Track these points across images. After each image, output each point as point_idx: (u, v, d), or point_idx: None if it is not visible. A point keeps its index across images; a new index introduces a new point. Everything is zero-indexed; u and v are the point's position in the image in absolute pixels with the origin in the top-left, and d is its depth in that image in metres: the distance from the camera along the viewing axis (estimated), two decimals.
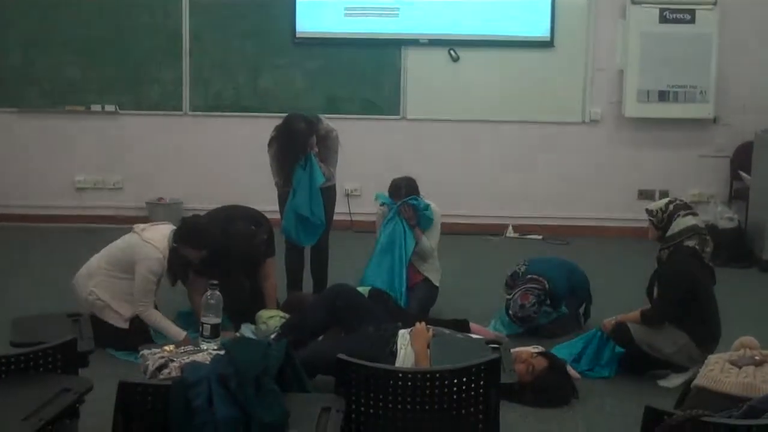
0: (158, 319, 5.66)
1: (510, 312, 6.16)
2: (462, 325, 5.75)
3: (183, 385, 3.09)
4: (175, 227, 5.80)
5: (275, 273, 6.34)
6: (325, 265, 6.74)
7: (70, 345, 3.47)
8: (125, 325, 5.66)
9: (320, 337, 5.43)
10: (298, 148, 6.32)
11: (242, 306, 5.86)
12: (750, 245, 8.36)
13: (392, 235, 6.40)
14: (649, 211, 5.46)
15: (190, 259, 5.72)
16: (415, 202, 6.41)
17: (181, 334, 5.56)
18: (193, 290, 5.84)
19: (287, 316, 5.84)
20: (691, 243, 5.30)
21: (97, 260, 5.82)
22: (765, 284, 7.77)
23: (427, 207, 6.45)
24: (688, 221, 5.35)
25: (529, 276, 6.25)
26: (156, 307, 5.78)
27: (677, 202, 5.49)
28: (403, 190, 6.42)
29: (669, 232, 5.34)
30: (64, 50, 9.18)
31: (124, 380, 3.11)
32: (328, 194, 6.63)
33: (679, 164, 9.18)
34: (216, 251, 5.72)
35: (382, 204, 6.56)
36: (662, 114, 9.02)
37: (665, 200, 5.50)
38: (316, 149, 6.40)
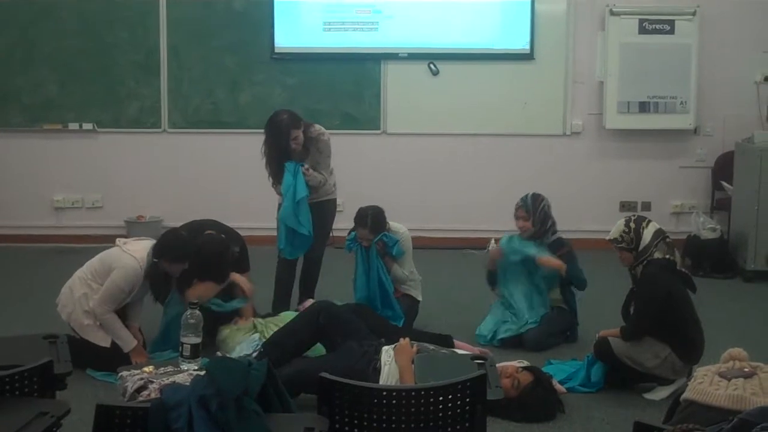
0: (116, 326, 5.58)
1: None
2: (445, 341, 5.72)
3: (162, 407, 3.02)
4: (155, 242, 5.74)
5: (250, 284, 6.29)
6: (315, 279, 6.73)
7: (46, 367, 3.39)
8: (107, 344, 5.58)
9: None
10: (280, 139, 6.30)
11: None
12: (733, 255, 8.35)
13: (371, 270, 6.35)
14: (613, 240, 5.40)
15: (170, 273, 5.67)
16: (386, 239, 6.35)
17: (131, 343, 5.57)
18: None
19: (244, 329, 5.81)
20: (659, 254, 5.28)
21: (78, 274, 5.75)
22: (749, 294, 7.76)
23: (395, 243, 6.38)
24: (653, 228, 5.36)
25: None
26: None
27: (634, 217, 5.49)
28: (369, 219, 6.33)
29: (641, 246, 5.32)
30: (41, 68, 9.14)
31: (102, 403, 3.03)
32: (328, 207, 6.66)
33: (661, 175, 9.20)
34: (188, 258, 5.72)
35: (351, 250, 6.49)
36: (643, 125, 9.05)
37: (621, 222, 5.45)
38: (307, 166, 6.37)
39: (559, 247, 6.31)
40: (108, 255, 5.72)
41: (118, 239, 5.84)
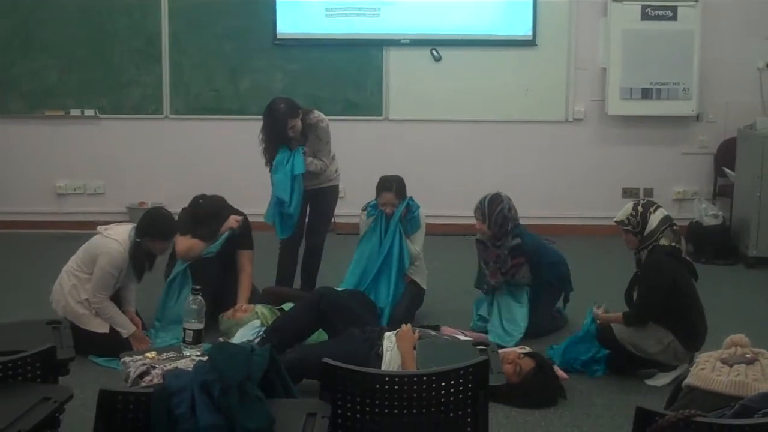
0: (113, 313, 5.67)
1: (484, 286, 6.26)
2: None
3: (165, 392, 3.03)
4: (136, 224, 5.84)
5: (252, 266, 6.38)
6: (317, 265, 6.75)
7: (49, 353, 3.40)
8: (105, 329, 5.63)
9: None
10: (278, 128, 6.33)
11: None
12: (735, 242, 8.36)
13: (388, 248, 6.36)
14: (620, 222, 5.39)
15: (154, 251, 5.78)
16: (411, 203, 6.40)
17: (130, 328, 5.67)
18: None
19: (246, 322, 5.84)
20: (666, 241, 5.27)
21: (65, 268, 5.82)
22: (750, 281, 7.77)
23: (418, 208, 6.45)
24: (660, 213, 5.35)
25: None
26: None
27: (642, 201, 5.49)
28: (394, 185, 6.38)
29: (647, 231, 5.31)
30: (43, 55, 9.11)
31: (105, 388, 3.04)
32: (330, 193, 6.69)
33: (663, 161, 9.19)
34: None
35: (371, 216, 6.51)
36: (645, 111, 9.02)
37: (629, 206, 5.45)
38: (306, 150, 6.38)
39: (516, 255, 6.17)
40: (91, 244, 5.79)
41: (99, 227, 5.90)
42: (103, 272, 5.60)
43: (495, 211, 6.15)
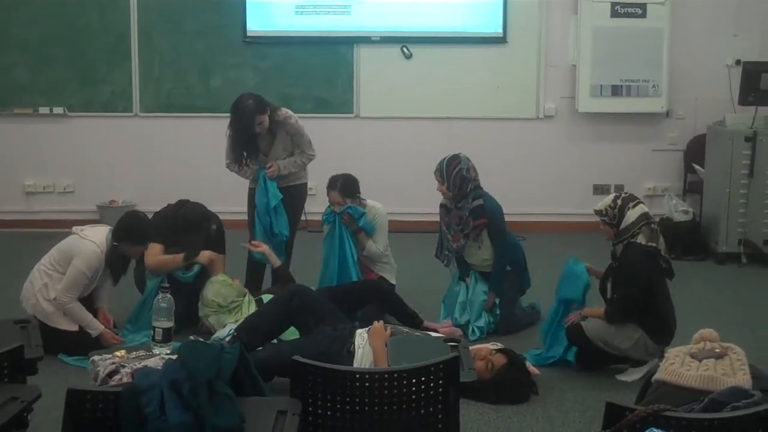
0: (81, 313, 5.62)
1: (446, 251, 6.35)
2: (414, 321, 5.90)
3: (134, 391, 3.01)
4: (113, 227, 5.79)
5: (224, 270, 6.30)
6: (287, 262, 6.70)
7: (17, 352, 3.37)
8: (75, 328, 5.60)
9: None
10: (245, 124, 6.31)
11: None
12: (705, 238, 8.40)
13: (335, 241, 6.39)
14: (598, 212, 5.42)
15: (130, 256, 5.78)
16: (351, 211, 6.38)
17: (99, 328, 5.61)
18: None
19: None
20: (643, 239, 5.27)
21: (36, 267, 5.77)
22: (720, 276, 7.82)
23: (361, 216, 6.41)
24: (639, 210, 5.34)
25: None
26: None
27: (623, 195, 5.49)
28: (339, 181, 6.41)
29: (623, 225, 5.32)
30: (11, 52, 9.05)
31: (73, 387, 3.01)
32: (299, 191, 6.70)
33: (633, 158, 9.23)
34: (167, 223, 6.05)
35: (327, 224, 6.52)
36: (615, 108, 9.06)
37: (611, 197, 5.46)
38: (272, 165, 6.39)
39: (478, 216, 6.19)
40: (66, 244, 5.74)
41: (74, 227, 5.85)
42: (78, 272, 5.56)
43: (453, 172, 6.16)
